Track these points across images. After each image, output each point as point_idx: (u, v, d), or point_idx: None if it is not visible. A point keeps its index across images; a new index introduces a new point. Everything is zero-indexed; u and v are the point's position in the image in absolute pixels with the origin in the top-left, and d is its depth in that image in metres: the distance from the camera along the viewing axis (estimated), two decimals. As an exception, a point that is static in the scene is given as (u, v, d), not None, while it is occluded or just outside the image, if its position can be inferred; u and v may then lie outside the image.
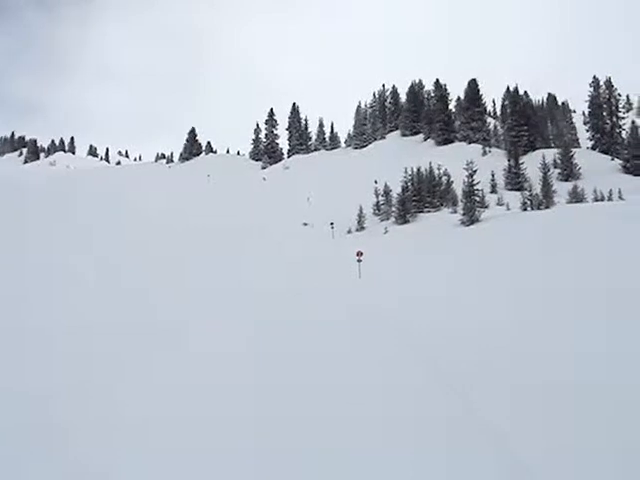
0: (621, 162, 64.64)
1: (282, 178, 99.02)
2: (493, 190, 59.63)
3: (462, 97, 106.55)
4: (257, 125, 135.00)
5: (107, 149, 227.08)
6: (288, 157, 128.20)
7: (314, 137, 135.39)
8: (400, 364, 9.99)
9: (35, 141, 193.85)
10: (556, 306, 13.82)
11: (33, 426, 7.54)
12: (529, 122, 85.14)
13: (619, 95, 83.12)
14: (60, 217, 58.22)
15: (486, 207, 46.46)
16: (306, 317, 15.89)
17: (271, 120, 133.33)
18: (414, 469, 5.83)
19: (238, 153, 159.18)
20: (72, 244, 42.21)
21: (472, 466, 5.84)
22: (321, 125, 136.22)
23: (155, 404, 8.38)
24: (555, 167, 63.76)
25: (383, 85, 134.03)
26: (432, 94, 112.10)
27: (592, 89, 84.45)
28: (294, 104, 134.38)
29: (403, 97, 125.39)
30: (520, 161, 64.23)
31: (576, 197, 48.36)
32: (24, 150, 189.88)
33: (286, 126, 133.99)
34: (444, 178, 58.93)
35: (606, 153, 74.40)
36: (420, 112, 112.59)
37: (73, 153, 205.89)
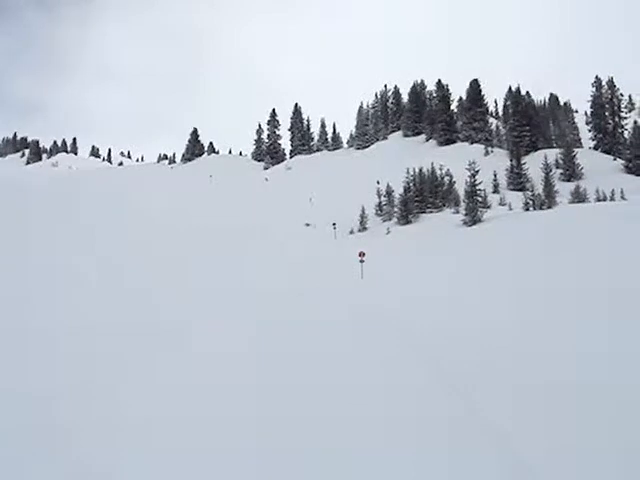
0: (623, 162, 64.55)
1: (284, 178, 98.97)
2: (495, 190, 59.57)
3: (464, 97, 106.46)
4: (259, 125, 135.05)
5: (109, 150, 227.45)
6: (290, 157, 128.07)
7: (316, 137, 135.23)
8: (402, 364, 9.99)
9: (37, 142, 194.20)
10: (558, 306, 13.82)
11: (36, 426, 7.56)
12: (531, 122, 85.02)
13: (621, 95, 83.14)
14: (63, 218, 58.35)
15: (488, 207, 46.37)
16: (308, 317, 15.91)
17: (273, 120, 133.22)
18: (416, 469, 5.83)
19: (240, 154, 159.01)
20: (75, 244, 42.31)
21: (474, 466, 5.85)
22: (323, 125, 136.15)
23: (158, 404, 8.40)
24: (557, 167, 63.69)
25: (385, 85, 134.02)
26: (434, 94, 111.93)
27: (594, 89, 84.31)
28: (296, 104, 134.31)
29: (405, 97, 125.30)
30: (522, 161, 64.10)
31: (578, 197, 48.31)
32: (26, 151, 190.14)
33: (288, 126, 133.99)
34: (446, 178, 58.80)
35: (608, 153, 74.29)
36: (422, 112, 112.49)
37: (75, 154, 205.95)
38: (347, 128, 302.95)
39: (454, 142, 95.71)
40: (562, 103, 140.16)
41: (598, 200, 47.27)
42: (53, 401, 8.68)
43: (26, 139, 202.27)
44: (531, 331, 11.47)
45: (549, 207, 41.58)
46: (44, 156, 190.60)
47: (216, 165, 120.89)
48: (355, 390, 8.49)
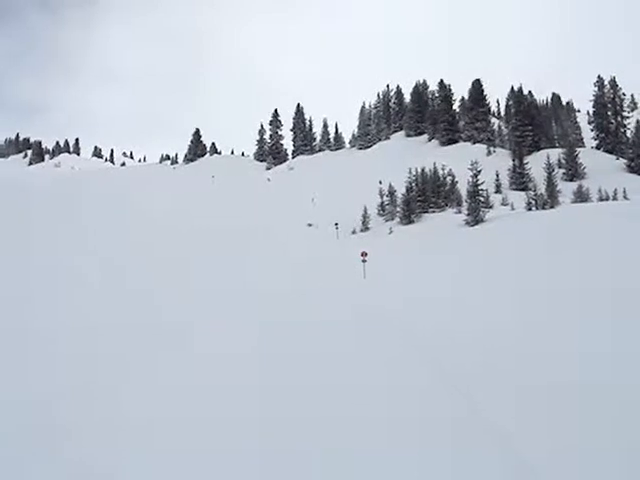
0: (626, 161, 64.43)
1: (287, 179, 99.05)
2: (497, 190, 59.44)
3: (466, 97, 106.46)
4: (261, 126, 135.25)
5: (112, 150, 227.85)
6: (292, 158, 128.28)
7: (319, 138, 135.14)
8: (405, 365, 9.99)
9: (40, 143, 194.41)
10: (561, 306, 13.79)
11: (37, 427, 7.57)
12: (533, 122, 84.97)
13: (624, 94, 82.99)
14: (65, 218, 58.43)
15: (490, 207, 46.28)
16: (311, 318, 15.90)
17: (275, 121, 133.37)
18: (419, 469, 5.83)
19: (242, 154, 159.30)
20: (77, 245, 42.35)
21: (477, 466, 5.85)
22: (325, 126, 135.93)
23: (160, 405, 8.40)
24: (560, 167, 63.63)
25: (387, 85, 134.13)
26: (436, 94, 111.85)
27: (596, 88, 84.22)
28: (298, 105, 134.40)
29: (407, 97, 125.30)
30: (525, 161, 64.05)
31: (581, 197, 48.25)
32: (29, 152, 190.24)
33: (291, 127, 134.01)
34: (448, 178, 58.81)
35: (611, 153, 74.21)
36: (424, 112, 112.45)
37: (78, 154, 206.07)
38: (349, 128, 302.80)
39: (456, 142, 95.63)
40: (564, 103, 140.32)
41: (601, 200, 47.19)
42: (55, 402, 8.69)
43: (29, 140, 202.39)
44: (534, 332, 11.45)
45: (552, 207, 41.51)
46: (47, 157, 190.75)
47: (218, 165, 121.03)
48: (358, 390, 8.49)
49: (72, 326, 15.33)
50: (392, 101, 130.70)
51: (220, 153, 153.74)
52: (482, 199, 42.93)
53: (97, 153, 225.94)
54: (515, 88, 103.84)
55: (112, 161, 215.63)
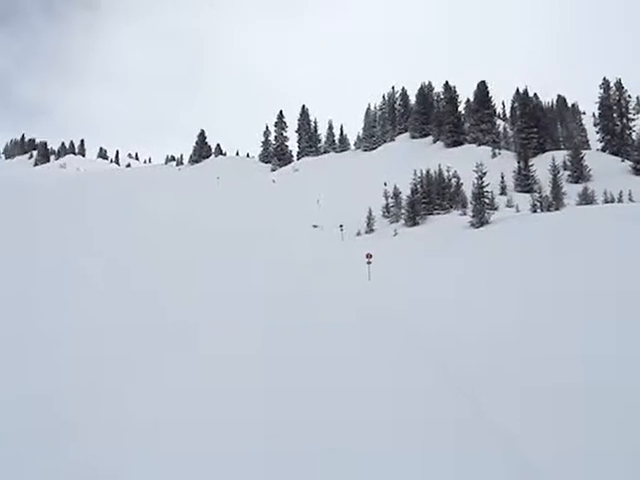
0: (631, 164, 64.18)
1: (291, 180, 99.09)
2: (503, 192, 59.38)
3: (471, 99, 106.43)
4: (266, 127, 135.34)
5: (117, 151, 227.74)
6: (297, 159, 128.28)
7: (323, 139, 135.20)
8: (409, 366, 9.99)
9: (45, 144, 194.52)
10: (566, 308, 13.77)
11: (42, 427, 7.60)
12: (539, 124, 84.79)
13: (629, 97, 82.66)
14: (70, 219, 58.57)
15: (496, 209, 46.18)
16: (316, 319, 15.91)
17: (280, 122, 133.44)
18: (424, 471, 5.84)
19: (248, 155, 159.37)
20: (82, 246, 42.45)
21: (481, 468, 5.85)
22: (330, 127, 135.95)
23: (165, 406, 8.42)
24: (565, 169, 63.48)
25: (392, 87, 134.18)
26: (441, 96, 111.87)
27: (602, 90, 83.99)
28: (303, 106, 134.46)
29: (412, 99, 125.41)
30: (530, 163, 63.95)
31: (586, 199, 48.15)
32: (34, 153, 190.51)
33: (296, 128, 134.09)
34: (453, 180, 58.71)
35: (616, 155, 74.00)
36: (429, 114, 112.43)
37: (83, 156, 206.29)
38: (354, 130, 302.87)
39: (461, 144, 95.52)
40: (570, 105, 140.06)
41: (606, 202, 47.09)
42: (60, 402, 8.72)
43: (34, 141, 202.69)
44: (539, 333, 11.44)
45: (557, 209, 41.47)
46: (52, 158, 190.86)
47: (223, 167, 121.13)
48: (363, 392, 8.50)
49: (77, 327, 15.39)
50: (397, 103, 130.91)
51: (225, 154, 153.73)
52: (487, 201, 42.91)
53: (102, 154, 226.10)
54: (520, 90, 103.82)
55: (117, 162, 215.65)
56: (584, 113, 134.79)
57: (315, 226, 59.65)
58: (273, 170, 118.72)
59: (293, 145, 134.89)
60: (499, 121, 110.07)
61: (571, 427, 6.62)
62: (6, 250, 37.91)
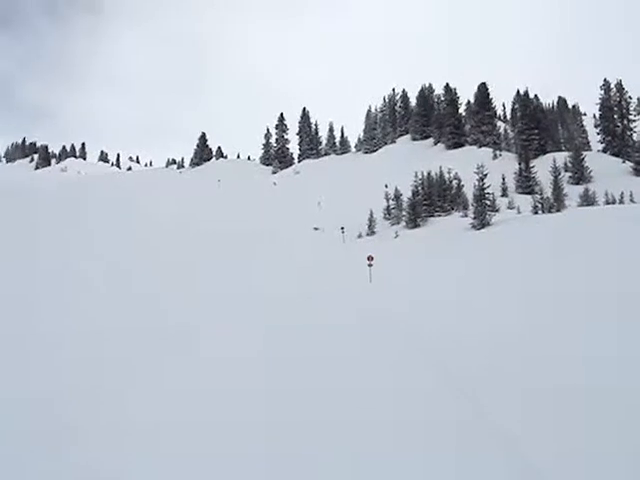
0: (632, 165, 64.20)
1: (293, 183, 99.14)
2: (504, 194, 59.35)
3: (472, 101, 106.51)
4: (267, 130, 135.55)
5: (118, 155, 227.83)
6: (298, 162, 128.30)
7: (324, 142, 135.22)
8: (411, 368, 9.98)
9: (46, 147, 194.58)
10: (567, 310, 13.76)
11: (43, 430, 7.59)
12: (539, 125, 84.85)
13: (630, 98, 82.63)
14: (71, 222, 58.59)
15: (497, 211, 46.16)
16: (317, 321, 15.92)
17: (281, 125, 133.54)
18: (425, 472, 5.83)
19: (249, 158, 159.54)
20: (83, 249, 42.46)
21: (482, 469, 5.84)
22: (331, 129, 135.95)
23: (166, 409, 8.42)
24: (566, 170, 63.49)
25: (393, 89, 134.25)
26: (442, 98, 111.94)
27: (603, 92, 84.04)
28: (304, 109, 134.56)
29: (413, 101, 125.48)
30: (531, 164, 63.95)
31: (587, 200, 48.13)
32: (35, 156, 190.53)
33: (296, 131, 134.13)
34: (454, 182, 58.74)
35: (617, 156, 74.00)
36: (430, 116, 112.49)
37: (84, 159, 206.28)
38: (355, 132, 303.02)
39: (462, 146, 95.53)
40: (571, 106, 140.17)
41: (607, 203, 47.06)
42: (61, 405, 8.72)
43: (35, 144, 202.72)
44: (540, 335, 11.43)
45: (558, 210, 41.41)
46: (53, 161, 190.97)
47: (224, 170, 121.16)
48: (363, 394, 8.49)
49: (78, 330, 15.40)
50: (398, 105, 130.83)
51: (226, 157, 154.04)
52: (488, 203, 42.89)
53: (103, 157, 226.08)
54: (521, 92, 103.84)
55: (118, 165, 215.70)
56: (585, 114, 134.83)
57: (316, 228, 59.67)
58: (274, 173, 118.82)
59: (294, 147, 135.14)
60: (500, 123, 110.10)
61: (572, 428, 6.60)
62: (7, 253, 37.93)
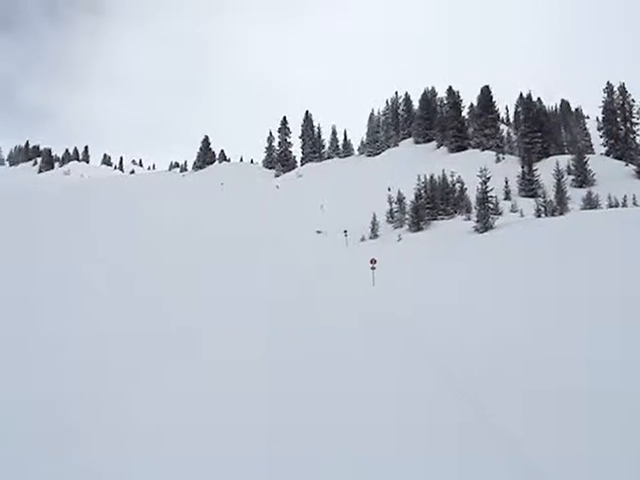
0: (635, 168, 64.24)
1: (295, 186, 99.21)
2: (507, 197, 59.36)
3: (475, 104, 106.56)
4: (270, 133, 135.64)
5: (121, 158, 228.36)
6: (301, 165, 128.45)
7: (327, 145, 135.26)
8: (413, 371, 9.98)
9: (49, 150, 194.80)
10: (570, 313, 13.76)
11: (45, 433, 7.60)
12: (542, 128, 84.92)
13: (633, 101, 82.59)
14: (74, 226, 58.67)
15: (500, 214, 46.23)
16: (319, 324, 15.91)
17: (284, 128, 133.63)
18: (427, 474, 5.83)
19: (251, 161, 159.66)
20: (86, 253, 42.51)
21: (485, 471, 5.84)
22: (334, 133, 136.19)
23: (168, 412, 8.42)
24: (569, 173, 63.54)
25: (396, 92, 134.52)
26: (445, 101, 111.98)
27: (606, 95, 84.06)
28: (307, 112, 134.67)
29: (416, 104, 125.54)
30: (534, 167, 64.04)
31: (590, 203, 48.15)
32: (38, 159, 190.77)
33: (299, 134, 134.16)
34: (457, 185, 58.77)
35: (620, 159, 73.99)
36: (433, 119, 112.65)
37: (87, 162, 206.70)
38: (358, 135, 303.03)
39: (465, 149, 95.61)
40: (573, 109, 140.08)
41: (610, 206, 47.06)
42: (63, 408, 8.72)
43: (38, 147, 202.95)
44: (542, 338, 11.43)
45: (561, 213, 41.38)
46: (56, 164, 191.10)
47: (227, 173, 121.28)
48: (366, 396, 8.49)
49: (81, 333, 15.39)
50: (401, 108, 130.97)
51: (229, 160, 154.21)
52: (491, 206, 42.89)
53: (106, 161, 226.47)
54: (524, 94, 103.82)
55: (121, 169, 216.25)
56: (588, 117, 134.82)
57: (319, 232, 59.66)
58: (277, 176, 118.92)
59: (297, 151, 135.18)
60: (503, 126, 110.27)
61: (575, 431, 6.60)
62: (11, 256, 38.00)
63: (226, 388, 9.50)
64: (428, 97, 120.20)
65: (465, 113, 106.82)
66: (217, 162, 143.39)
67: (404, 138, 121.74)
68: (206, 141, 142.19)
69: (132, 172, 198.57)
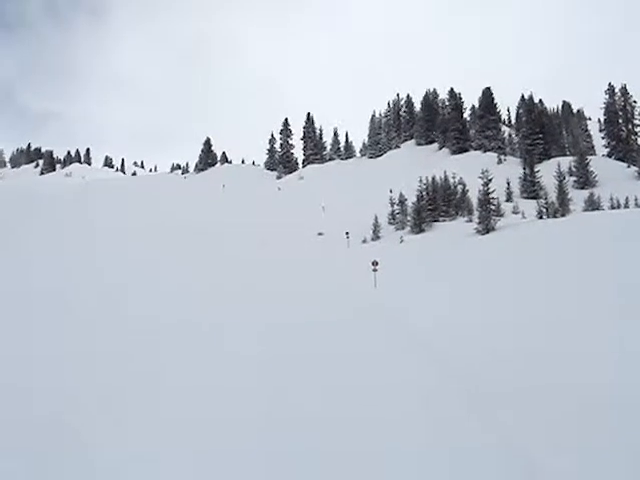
0: (637, 169, 64.18)
1: (297, 188, 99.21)
2: (508, 199, 59.39)
3: (476, 106, 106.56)
4: (272, 135, 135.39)
5: (122, 160, 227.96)
6: (303, 167, 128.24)
7: (329, 147, 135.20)
8: (412, 368, 10.10)
9: (51, 152, 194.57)
10: (570, 314, 13.89)
11: (47, 434, 7.66)
12: (544, 130, 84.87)
13: (634, 102, 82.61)
14: (74, 229, 58.70)
15: (501, 216, 46.26)
16: (319, 321, 16.01)
17: (286, 130, 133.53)
18: (425, 466, 5.92)
19: (253, 163, 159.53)
20: (87, 254, 42.53)
21: (482, 466, 5.92)
22: (336, 134, 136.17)
23: (166, 406, 8.51)
24: (571, 175, 63.51)
25: (397, 94, 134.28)
26: (446, 103, 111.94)
27: (607, 96, 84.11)
28: (309, 114, 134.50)
29: (417, 106, 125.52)
30: (535, 169, 63.99)
31: (592, 205, 48.16)
32: (40, 162, 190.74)
33: (301, 136, 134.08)
34: (459, 187, 58.82)
35: (622, 160, 73.97)
36: (435, 121, 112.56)
37: (89, 164, 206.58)
38: (359, 137, 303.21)
39: (467, 151, 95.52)
40: (575, 110, 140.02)
41: (612, 208, 47.07)
42: (62, 405, 8.78)
43: (40, 149, 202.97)
44: (543, 338, 11.58)
45: (563, 215, 41.41)
46: (58, 166, 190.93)
47: (229, 175, 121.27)
48: (367, 392, 8.62)
49: (79, 335, 15.46)
50: (402, 110, 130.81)
51: (231, 162, 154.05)
52: (493, 208, 42.95)
53: (108, 163, 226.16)
54: (525, 96, 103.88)
55: (123, 171, 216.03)
56: (589, 119, 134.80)
57: (321, 234, 59.64)
58: (279, 178, 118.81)
59: (299, 153, 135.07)
60: (504, 127, 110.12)
61: (563, 419, 6.72)
62: (13, 259, 38.10)
63: (228, 382, 9.58)
64: (430, 99, 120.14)
65: (467, 115, 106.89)
66: (219, 164, 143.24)
67: (406, 140, 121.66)
68: (208, 143, 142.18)
69: (134, 174, 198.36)
